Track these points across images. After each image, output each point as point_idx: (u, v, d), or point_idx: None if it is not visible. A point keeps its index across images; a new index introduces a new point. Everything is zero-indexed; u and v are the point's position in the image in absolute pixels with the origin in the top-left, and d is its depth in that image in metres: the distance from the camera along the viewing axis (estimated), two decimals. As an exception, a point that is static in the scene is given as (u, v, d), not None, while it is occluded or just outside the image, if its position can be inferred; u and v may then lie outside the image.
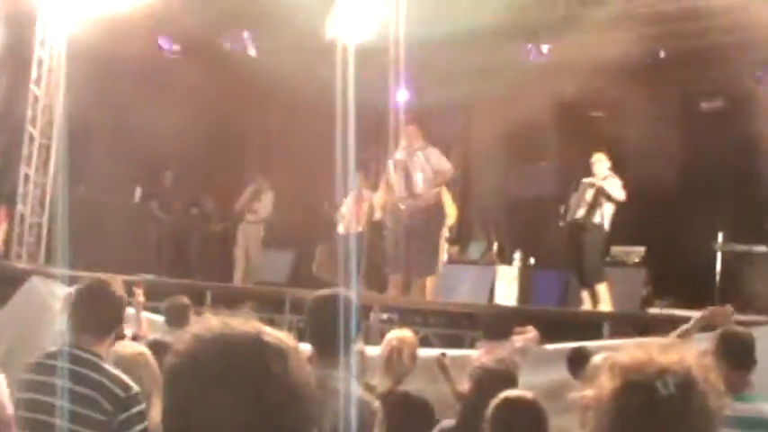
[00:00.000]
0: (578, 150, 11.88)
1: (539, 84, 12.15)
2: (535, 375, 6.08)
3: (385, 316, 9.56)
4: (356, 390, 3.52)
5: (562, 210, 10.52)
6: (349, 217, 11.15)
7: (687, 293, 10.99)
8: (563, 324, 8.03)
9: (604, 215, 9.73)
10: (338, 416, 3.15)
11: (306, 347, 3.30)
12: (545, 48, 12.12)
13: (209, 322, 1.45)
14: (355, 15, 11.01)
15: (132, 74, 12.39)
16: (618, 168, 9.92)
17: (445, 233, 11.63)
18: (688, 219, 11.73)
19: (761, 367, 4.50)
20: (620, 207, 9.84)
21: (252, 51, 12.94)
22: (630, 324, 8.14)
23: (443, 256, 11.81)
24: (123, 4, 11.12)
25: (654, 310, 10.39)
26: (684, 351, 1.66)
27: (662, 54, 11.98)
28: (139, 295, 7.12)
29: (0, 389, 4.88)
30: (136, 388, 3.74)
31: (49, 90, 11.72)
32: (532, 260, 12.10)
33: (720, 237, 11.42)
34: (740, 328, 4.77)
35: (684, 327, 5.03)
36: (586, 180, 9.87)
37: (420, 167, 10.13)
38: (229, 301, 9.99)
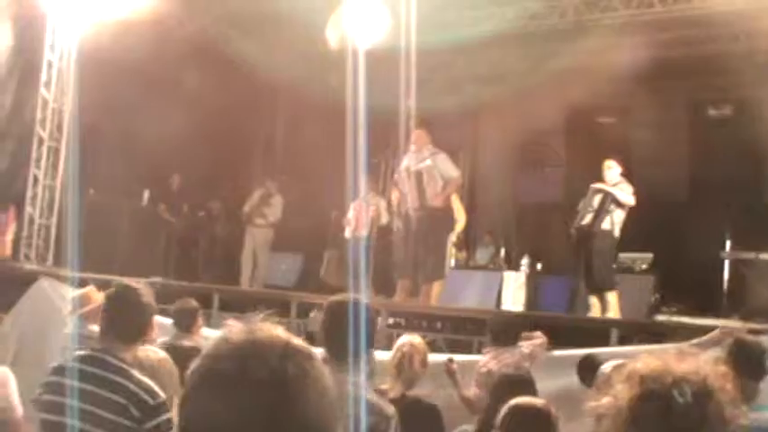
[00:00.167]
0: (586, 156, 11.88)
1: (547, 90, 12.15)
2: (543, 381, 6.07)
3: (392, 320, 9.56)
4: (372, 396, 3.53)
5: (570, 216, 10.50)
6: (356, 221, 11.16)
7: (695, 301, 11.00)
8: (570, 330, 8.00)
9: (614, 221, 9.68)
10: (354, 422, 3.16)
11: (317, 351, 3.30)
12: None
13: (236, 327, 1.46)
14: (364, 20, 11.01)
15: (141, 77, 12.42)
16: (625, 175, 9.91)
17: (453, 238, 11.63)
18: (696, 226, 11.72)
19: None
20: (628, 213, 9.82)
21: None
22: (638, 331, 8.11)
23: (451, 262, 11.82)
24: (132, 8, 11.15)
25: (661, 318, 10.37)
26: (700, 360, 1.66)
27: (670, 61, 11.98)
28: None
29: (10, 390, 4.90)
30: (163, 396, 3.74)
31: (59, 93, 11.76)
32: (539, 266, 12.10)
33: (728, 244, 11.41)
34: (751, 338, 4.77)
35: (697, 341, 5.05)
36: (594, 186, 9.84)
37: (432, 177, 10.11)
38: (237, 304, 10.01)
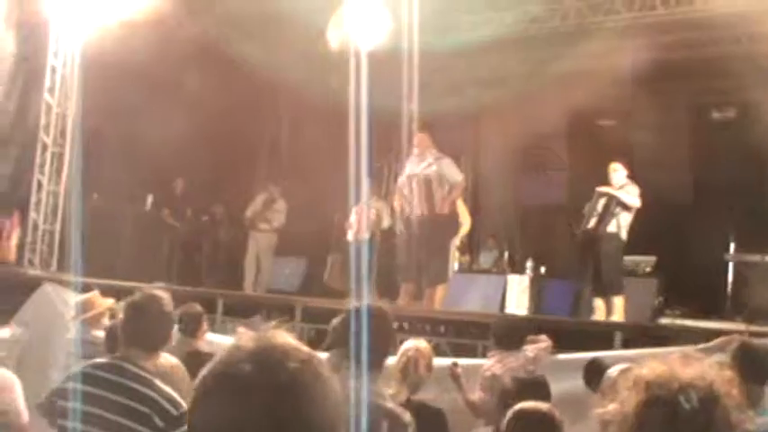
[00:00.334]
0: (589, 159, 11.89)
1: (549, 93, 12.15)
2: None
3: (395, 324, 9.54)
4: (390, 403, 3.54)
5: (575, 219, 10.49)
6: (358, 225, 11.16)
7: (698, 303, 11.00)
8: (574, 334, 7.99)
9: (620, 224, 9.66)
10: (373, 429, 3.17)
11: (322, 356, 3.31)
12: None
13: (249, 334, 1.47)
14: (367, 23, 11.02)
15: (143, 81, 12.43)
16: (630, 177, 9.91)
17: (456, 242, 11.63)
18: (699, 228, 11.71)
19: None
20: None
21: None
22: (642, 335, 8.10)
23: (454, 265, 11.82)
24: (135, 12, 11.17)
25: (665, 321, 10.37)
26: (705, 365, 1.66)
27: (673, 63, 11.98)
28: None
29: (15, 395, 4.92)
30: (185, 405, 3.73)
31: (62, 98, 11.79)
32: (543, 269, 12.10)
33: (732, 247, 11.41)
34: (757, 342, 4.76)
35: (701, 346, 5.06)
36: (600, 189, 9.84)
37: (440, 184, 10.12)
38: (241, 309, 10.01)
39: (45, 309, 9.40)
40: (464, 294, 11.21)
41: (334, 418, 1.46)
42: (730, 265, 11.39)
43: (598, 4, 11.56)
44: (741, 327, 7.94)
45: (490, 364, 6.49)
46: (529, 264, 11.82)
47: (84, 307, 6.73)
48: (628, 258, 10.99)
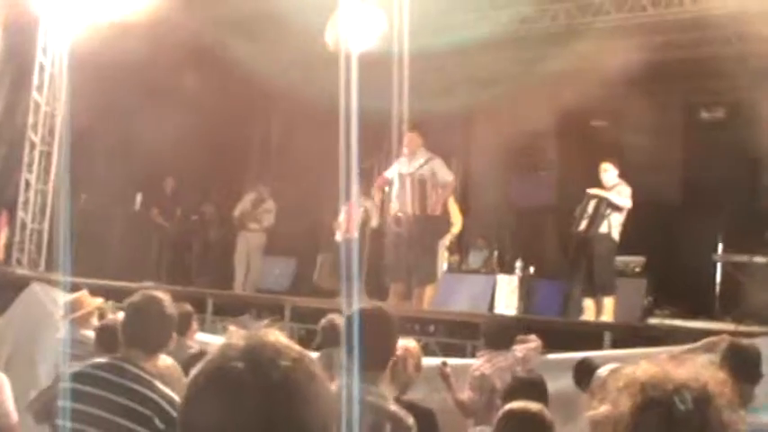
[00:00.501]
0: (579, 160, 11.90)
1: (540, 94, 12.16)
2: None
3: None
4: (392, 405, 3.53)
5: (566, 220, 10.50)
6: (346, 224, 11.15)
7: (688, 304, 11.02)
8: (563, 334, 8.01)
9: (612, 224, 9.67)
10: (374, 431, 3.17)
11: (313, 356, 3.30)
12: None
13: (240, 333, 1.47)
14: (358, 24, 11.01)
15: (133, 81, 12.40)
16: (620, 177, 9.93)
17: (446, 242, 11.63)
18: (688, 229, 11.74)
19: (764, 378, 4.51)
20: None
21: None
22: (631, 335, 8.12)
23: (444, 265, 11.82)
24: (125, 11, 11.13)
25: (654, 321, 10.39)
26: (698, 365, 1.66)
27: (663, 64, 12.00)
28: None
29: (5, 396, 4.89)
30: None
31: (51, 97, 11.75)
32: (533, 269, 12.11)
33: (720, 247, 11.44)
34: (746, 342, 4.78)
35: (688, 347, 5.08)
36: (590, 191, 9.85)
37: (434, 185, 10.13)
38: (231, 308, 10.00)
39: (33, 308, 9.39)
40: (453, 294, 11.21)
41: (326, 417, 1.45)
42: (719, 265, 11.42)
43: (588, 4, 11.57)
44: (730, 327, 7.96)
45: (479, 363, 6.50)
46: (518, 264, 11.82)
47: (73, 306, 6.71)
48: (617, 259, 11.01)
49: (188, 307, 6.79)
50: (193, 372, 1.45)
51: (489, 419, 5.29)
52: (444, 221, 10.65)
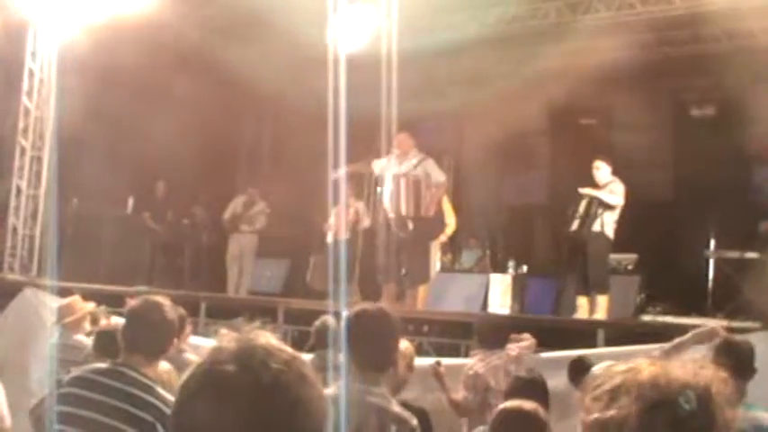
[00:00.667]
0: (570, 158, 11.93)
1: (530, 92, 12.17)
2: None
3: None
4: (395, 406, 3.52)
5: (559, 218, 10.50)
6: (336, 225, 11.13)
7: (680, 300, 11.03)
8: (557, 332, 8.02)
9: (605, 222, 9.65)
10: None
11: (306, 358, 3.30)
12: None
13: (231, 335, 1.47)
14: (349, 25, 11.01)
15: (124, 85, 12.38)
16: (613, 174, 9.93)
17: (438, 241, 11.62)
18: (680, 226, 11.77)
19: (757, 374, 4.52)
20: (614, 214, 9.84)
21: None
22: (624, 332, 8.13)
23: (436, 265, 11.82)
24: (114, 15, 11.10)
25: (647, 317, 10.41)
26: (697, 364, 1.65)
27: (653, 62, 12.03)
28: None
29: (-1, 399, 4.88)
30: None
31: (41, 102, 11.71)
32: (525, 268, 12.12)
33: (713, 243, 11.46)
34: (740, 338, 4.78)
35: (678, 340, 5.07)
36: (582, 190, 9.84)
37: (428, 187, 10.13)
38: (224, 311, 9.98)
39: (26, 314, 9.36)
40: (446, 294, 11.21)
41: (318, 419, 1.45)
42: (711, 261, 11.44)
43: (577, 2, 11.58)
44: (723, 323, 7.97)
45: (473, 362, 6.49)
46: (511, 263, 11.84)
47: (65, 311, 6.69)
48: (610, 256, 11.04)
49: (181, 310, 6.77)
50: (185, 375, 1.45)
51: (483, 419, 5.29)
52: (438, 222, 10.63)
